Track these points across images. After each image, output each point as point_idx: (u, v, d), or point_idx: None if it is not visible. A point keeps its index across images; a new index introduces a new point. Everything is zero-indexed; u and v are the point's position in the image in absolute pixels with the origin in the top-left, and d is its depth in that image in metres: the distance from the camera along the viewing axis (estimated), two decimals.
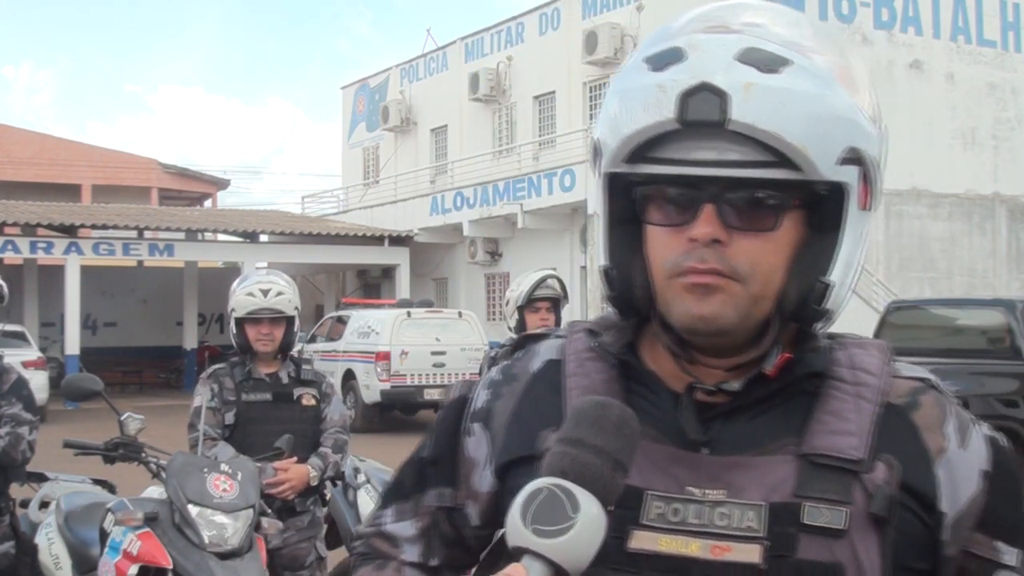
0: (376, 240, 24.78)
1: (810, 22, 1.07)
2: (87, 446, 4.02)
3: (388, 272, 25.98)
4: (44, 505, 4.81)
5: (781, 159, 0.99)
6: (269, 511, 3.91)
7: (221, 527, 3.58)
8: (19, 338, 18.11)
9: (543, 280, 4.86)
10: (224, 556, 3.53)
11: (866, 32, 22.89)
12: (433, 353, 16.47)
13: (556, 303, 4.83)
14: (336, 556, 5.25)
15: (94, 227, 23.66)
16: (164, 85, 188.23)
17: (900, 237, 22.92)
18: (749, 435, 1.06)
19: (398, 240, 24.54)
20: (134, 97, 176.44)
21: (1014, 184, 24.38)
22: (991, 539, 1.06)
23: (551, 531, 0.86)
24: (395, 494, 1.25)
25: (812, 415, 1.06)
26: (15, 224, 22.60)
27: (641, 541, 1.01)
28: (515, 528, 0.87)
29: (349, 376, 17.01)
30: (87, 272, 22.52)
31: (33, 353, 18.14)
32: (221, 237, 26.86)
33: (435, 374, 16.42)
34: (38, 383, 13.61)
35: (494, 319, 22.03)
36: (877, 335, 10.16)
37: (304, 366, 4.39)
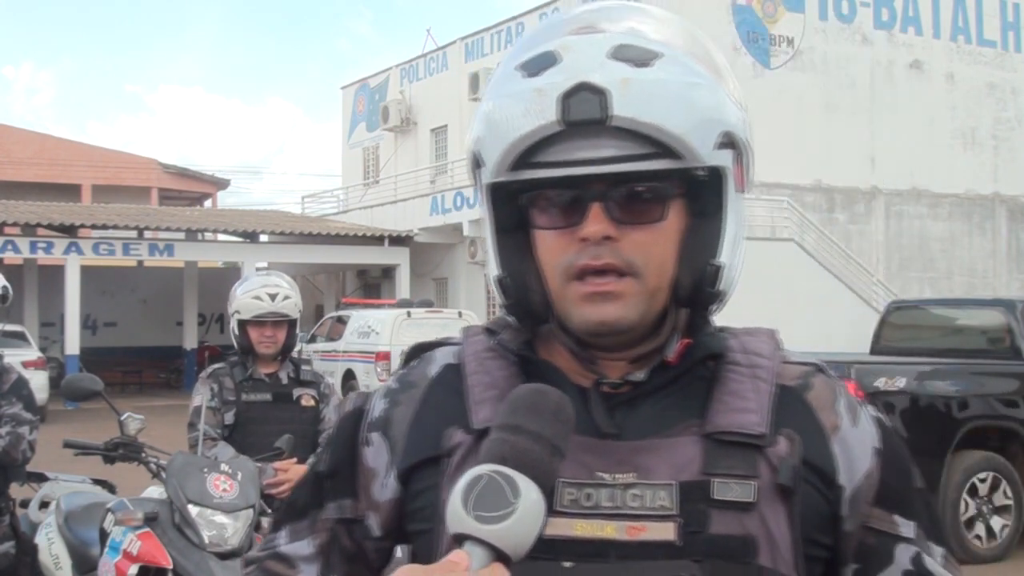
0: (376, 240, 24.77)
1: (670, 17, 1.10)
2: (87, 446, 4.02)
3: (388, 272, 25.99)
4: (44, 505, 4.82)
5: (662, 149, 1.01)
6: (269, 511, 3.92)
7: (221, 527, 3.59)
8: (19, 338, 18.16)
9: None
10: (224, 556, 3.53)
11: (866, 32, 22.89)
12: None
13: None
14: None
15: (94, 227, 23.66)
16: (164, 85, 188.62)
17: (900, 237, 22.95)
18: (654, 420, 1.07)
19: (398, 240, 24.53)
20: (134, 97, 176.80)
21: (1014, 184, 24.41)
22: (889, 513, 1.09)
23: (493, 517, 0.86)
24: (288, 515, 1.22)
25: (713, 396, 1.08)
26: (15, 224, 22.61)
27: (557, 527, 1.02)
28: (456, 515, 0.88)
29: (349, 376, 17.03)
30: (87, 272, 22.54)
31: (33, 353, 18.18)
32: (221, 237, 26.86)
33: None
34: (38, 383, 13.63)
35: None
36: (877, 335, 10.16)
37: (303, 367, 4.40)
